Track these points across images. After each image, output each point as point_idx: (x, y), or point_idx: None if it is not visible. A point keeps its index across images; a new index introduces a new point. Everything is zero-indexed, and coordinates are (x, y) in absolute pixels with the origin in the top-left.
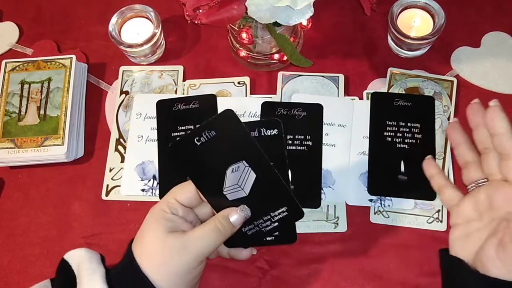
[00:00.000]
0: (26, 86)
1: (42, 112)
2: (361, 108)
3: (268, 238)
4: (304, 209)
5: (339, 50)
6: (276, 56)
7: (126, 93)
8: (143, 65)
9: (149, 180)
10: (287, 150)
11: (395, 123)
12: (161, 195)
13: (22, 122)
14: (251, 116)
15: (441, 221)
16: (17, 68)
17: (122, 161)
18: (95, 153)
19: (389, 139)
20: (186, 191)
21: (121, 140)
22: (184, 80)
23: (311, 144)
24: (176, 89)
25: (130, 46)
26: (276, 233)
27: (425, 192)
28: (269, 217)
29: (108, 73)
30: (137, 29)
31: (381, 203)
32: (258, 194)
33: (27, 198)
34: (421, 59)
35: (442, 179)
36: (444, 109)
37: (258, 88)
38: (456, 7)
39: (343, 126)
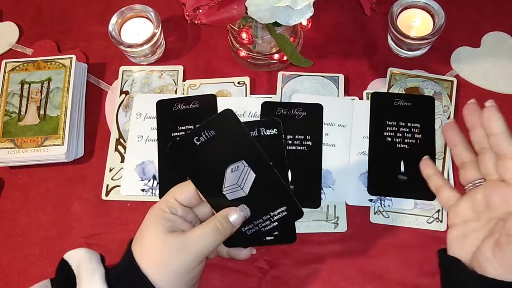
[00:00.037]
0: (26, 86)
1: (42, 112)
2: (361, 108)
3: (267, 238)
4: (304, 209)
5: (339, 50)
6: (276, 56)
7: (126, 93)
8: (143, 65)
9: (149, 180)
10: (286, 150)
11: (395, 123)
12: (161, 195)
13: (22, 122)
14: (251, 116)
15: (441, 221)
16: (17, 68)
17: (122, 161)
18: (95, 153)
19: (389, 139)
20: (185, 190)
21: (121, 140)
22: (184, 80)
23: (311, 144)
24: (176, 89)
25: (130, 46)
26: (276, 233)
27: (425, 192)
28: (268, 216)
29: (108, 73)
30: (137, 29)
31: (381, 203)
32: (258, 194)
33: (27, 198)
34: (421, 59)
35: (439, 180)
36: (444, 109)
37: (258, 88)
38: (456, 7)
39: (343, 126)
